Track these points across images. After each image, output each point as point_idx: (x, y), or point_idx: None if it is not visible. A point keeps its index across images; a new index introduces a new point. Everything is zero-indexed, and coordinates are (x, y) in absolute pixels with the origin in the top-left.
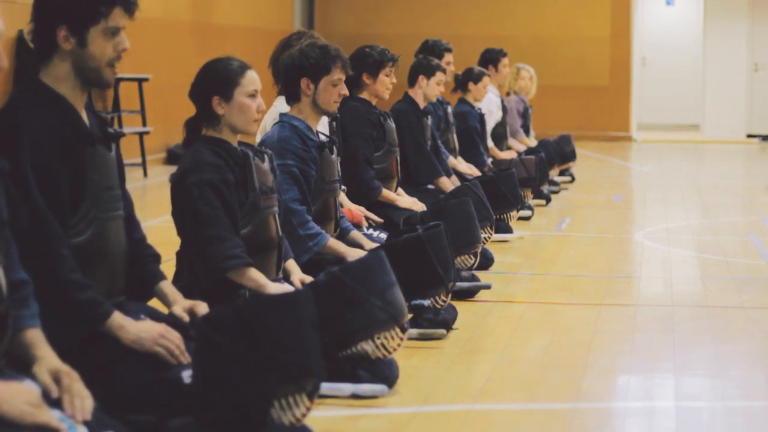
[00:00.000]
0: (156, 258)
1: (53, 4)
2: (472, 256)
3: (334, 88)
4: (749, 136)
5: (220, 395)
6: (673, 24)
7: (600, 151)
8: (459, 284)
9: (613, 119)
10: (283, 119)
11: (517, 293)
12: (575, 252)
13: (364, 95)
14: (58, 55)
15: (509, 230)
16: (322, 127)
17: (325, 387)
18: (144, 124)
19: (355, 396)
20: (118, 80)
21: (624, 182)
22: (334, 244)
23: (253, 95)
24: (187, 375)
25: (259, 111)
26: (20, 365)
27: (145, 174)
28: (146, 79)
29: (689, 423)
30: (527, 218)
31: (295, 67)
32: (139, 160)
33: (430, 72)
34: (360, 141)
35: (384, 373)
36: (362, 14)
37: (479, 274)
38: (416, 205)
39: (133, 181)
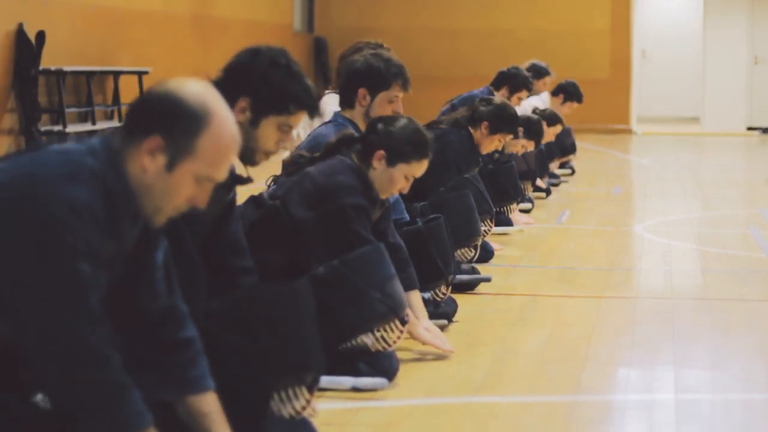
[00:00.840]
0: None
1: (247, 74)
2: (472, 249)
3: (389, 105)
4: (749, 128)
5: (220, 388)
6: (673, 17)
7: (600, 143)
8: (459, 277)
9: (613, 112)
10: (338, 119)
11: (517, 286)
12: (575, 245)
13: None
14: None
15: (509, 223)
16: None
17: (325, 380)
18: None
19: (355, 389)
20: (118, 73)
21: (624, 175)
22: None
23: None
24: None
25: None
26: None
27: None
28: (146, 72)
29: (689, 416)
30: (527, 211)
31: (356, 75)
32: None
33: None
34: (450, 172)
35: (384, 366)
36: (362, 7)
37: (479, 266)
38: None
39: None
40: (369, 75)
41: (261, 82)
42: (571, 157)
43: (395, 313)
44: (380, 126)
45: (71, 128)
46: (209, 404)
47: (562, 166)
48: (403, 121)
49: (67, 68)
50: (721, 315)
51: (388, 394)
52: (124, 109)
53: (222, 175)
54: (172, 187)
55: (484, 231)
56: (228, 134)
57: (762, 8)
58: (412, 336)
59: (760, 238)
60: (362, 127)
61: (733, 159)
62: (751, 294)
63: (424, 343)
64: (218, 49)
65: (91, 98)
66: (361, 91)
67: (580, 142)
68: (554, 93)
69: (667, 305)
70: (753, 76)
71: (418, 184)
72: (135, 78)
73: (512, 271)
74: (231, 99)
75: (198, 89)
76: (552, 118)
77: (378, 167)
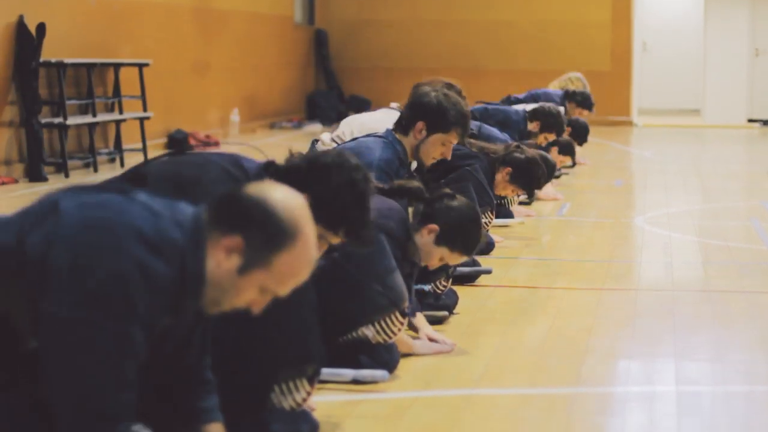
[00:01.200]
0: None
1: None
2: None
3: (441, 147)
4: (750, 120)
5: (221, 380)
6: (674, 9)
7: (601, 135)
8: (459, 269)
9: (614, 104)
10: (389, 137)
11: (517, 278)
12: (576, 237)
13: None
14: None
15: (510, 215)
16: None
17: (326, 372)
18: (144, 109)
19: (356, 381)
20: (119, 65)
21: (625, 167)
22: None
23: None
24: None
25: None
26: None
27: (146, 159)
28: (147, 64)
29: (690, 408)
30: (528, 203)
31: (422, 108)
32: (139, 145)
33: None
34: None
35: (384, 358)
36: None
37: (480, 258)
38: None
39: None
40: (434, 112)
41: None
42: None
43: (396, 305)
44: (445, 203)
45: (72, 120)
46: None
47: None
48: (465, 208)
49: (67, 60)
50: (722, 307)
51: (388, 386)
52: (124, 101)
53: (286, 292)
54: (238, 290)
55: (485, 223)
56: (306, 259)
57: (763, 1)
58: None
59: (761, 230)
60: (409, 156)
61: (733, 151)
62: (752, 286)
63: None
64: (219, 41)
65: (91, 90)
66: (420, 125)
67: None
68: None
69: (668, 297)
70: (754, 68)
71: None
72: (135, 70)
73: (513, 264)
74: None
75: (292, 204)
76: (565, 148)
77: (425, 238)
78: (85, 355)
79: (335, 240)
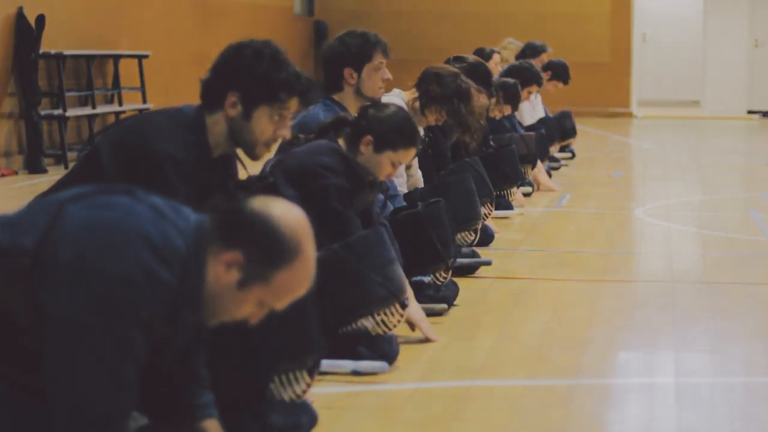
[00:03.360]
0: None
1: (233, 68)
2: (472, 233)
3: (377, 74)
4: (750, 112)
5: (221, 371)
6: (673, 0)
7: (600, 127)
8: (459, 261)
9: (614, 95)
10: (327, 101)
11: (517, 269)
12: (575, 228)
13: None
14: (222, 113)
15: (509, 206)
16: None
17: (326, 363)
18: (144, 100)
19: (356, 372)
20: (118, 57)
21: (624, 158)
22: None
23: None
24: None
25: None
26: None
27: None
28: (146, 56)
29: (689, 399)
30: (528, 194)
31: (336, 58)
32: None
33: None
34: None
35: (384, 349)
36: None
37: (480, 250)
38: None
39: None
40: (349, 54)
41: (247, 74)
42: (571, 140)
43: (395, 296)
44: (371, 112)
45: (71, 112)
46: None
47: (562, 149)
48: (392, 109)
49: (67, 52)
50: (722, 298)
51: (388, 377)
52: (124, 92)
53: (283, 306)
54: (236, 304)
55: (485, 215)
56: (305, 276)
57: None
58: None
59: (761, 221)
60: (354, 106)
61: (733, 142)
62: (752, 277)
63: (413, 325)
64: (218, 32)
65: (91, 82)
66: (347, 71)
67: (581, 125)
68: (543, 69)
69: (668, 288)
70: (753, 59)
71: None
72: (135, 61)
73: (512, 255)
74: (221, 96)
75: (294, 221)
76: (528, 79)
77: (365, 152)
78: (86, 356)
79: (289, 110)
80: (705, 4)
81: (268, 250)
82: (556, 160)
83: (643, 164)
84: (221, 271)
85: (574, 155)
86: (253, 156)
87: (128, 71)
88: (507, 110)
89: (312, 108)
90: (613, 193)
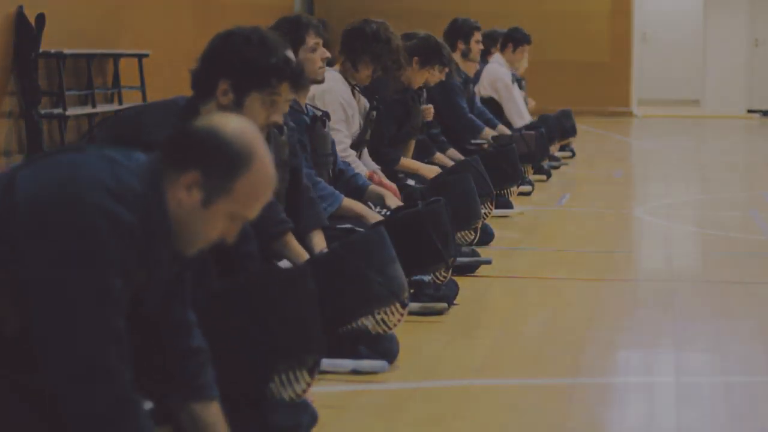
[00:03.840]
0: None
1: (224, 56)
2: (472, 232)
3: (314, 55)
4: (750, 111)
5: (221, 370)
6: (673, 0)
7: (600, 126)
8: (459, 260)
9: (614, 94)
10: (294, 105)
11: (517, 268)
12: (575, 227)
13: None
14: (214, 102)
15: (509, 205)
16: (358, 110)
17: (326, 363)
18: (144, 99)
19: (356, 372)
20: (118, 56)
21: (624, 157)
22: (350, 203)
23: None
24: None
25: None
26: None
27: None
28: (146, 55)
29: (689, 398)
30: (527, 194)
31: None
32: None
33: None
34: (386, 119)
35: (384, 348)
36: None
37: (480, 249)
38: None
39: None
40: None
41: (237, 62)
42: (571, 139)
43: (396, 296)
44: None
45: (71, 111)
46: (213, 414)
47: (562, 148)
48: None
49: (67, 51)
50: (722, 298)
51: (388, 376)
52: (124, 92)
53: (255, 214)
54: (206, 223)
55: (485, 214)
56: (266, 177)
57: None
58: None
59: (761, 220)
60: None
61: (733, 142)
62: (752, 277)
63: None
64: (218, 31)
65: (91, 81)
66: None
67: (581, 124)
68: (503, 46)
69: (668, 288)
70: (753, 58)
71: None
72: (135, 61)
73: (512, 254)
74: (212, 85)
75: (242, 128)
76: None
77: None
78: (68, 311)
79: (281, 95)
80: (705, 3)
81: (222, 161)
82: (556, 159)
83: (643, 164)
84: (182, 195)
85: (574, 154)
86: None
87: (128, 70)
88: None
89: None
90: (613, 193)
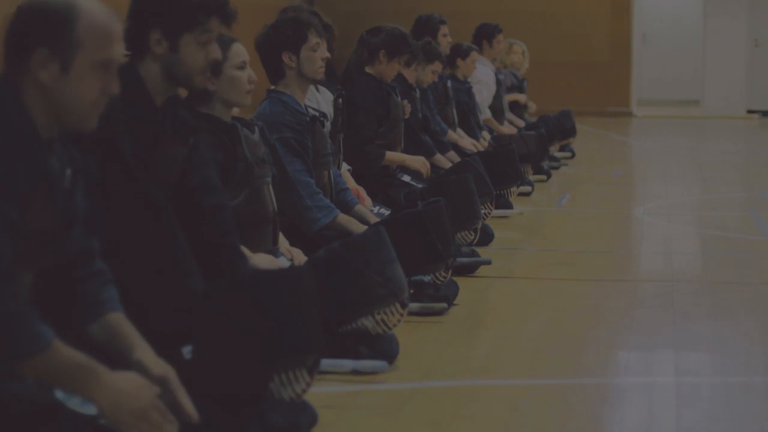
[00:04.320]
0: None
1: (148, 6)
2: (472, 232)
3: (315, 54)
4: (749, 111)
5: (220, 370)
6: (673, 0)
7: (600, 126)
8: (459, 260)
9: (614, 95)
10: (271, 95)
11: (517, 269)
12: (575, 227)
13: (371, 71)
14: (150, 56)
15: (509, 206)
16: (327, 104)
17: (326, 363)
18: None
19: (356, 372)
20: None
21: (624, 158)
22: (345, 220)
23: (242, 67)
24: (186, 350)
25: (251, 82)
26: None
27: None
28: None
29: (689, 398)
30: (527, 194)
31: (272, 45)
32: None
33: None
34: (365, 116)
35: (384, 348)
36: None
37: (479, 249)
38: (425, 166)
39: None
40: (284, 37)
41: (162, 7)
42: (571, 140)
43: (395, 296)
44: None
45: None
46: (123, 325)
47: (562, 149)
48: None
49: None
50: (721, 298)
51: (388, 376)
52: None
53: (117, 53)
54: (78, 85)
55: (485, 214)
56: (100, 12)
57: None
58: None
59: (761, 221)
60: (299, 90)
61: (733, 142)
62: (751, 277)
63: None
64: None
65: None
66: (285, 56)
67: (580, 125)
68: (479, 46)
69: (667, 288)
70: (753, 59)
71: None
72: None
73: (512, 254)
74: (143, 38)
75: None
76: (466, 51)
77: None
78: None
79: (213, 32)
80: (705, 4)
81: (54, 24)
82: (556, 159)
83: (643, 164)
84: (41, 75)
85: (573, 154)
86: (193, 87)
87: None
88: (437, 68)
89: (258, 106)
90: (612, 193)
